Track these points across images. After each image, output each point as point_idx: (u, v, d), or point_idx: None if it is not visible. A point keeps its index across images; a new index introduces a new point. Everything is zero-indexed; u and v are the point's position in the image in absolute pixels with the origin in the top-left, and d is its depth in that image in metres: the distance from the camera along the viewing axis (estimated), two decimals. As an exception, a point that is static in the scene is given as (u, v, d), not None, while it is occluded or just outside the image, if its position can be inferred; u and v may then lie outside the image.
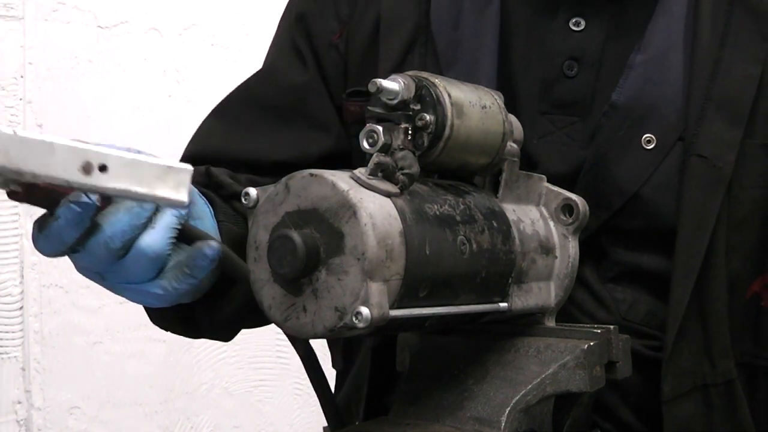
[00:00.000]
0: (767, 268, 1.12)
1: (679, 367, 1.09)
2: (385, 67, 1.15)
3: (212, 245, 0.87)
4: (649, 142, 1.10)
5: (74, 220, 0.82)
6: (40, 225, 0.84)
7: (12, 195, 0.81)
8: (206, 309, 1.02)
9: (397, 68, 1.12)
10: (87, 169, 0.79)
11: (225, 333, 1.14)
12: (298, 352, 0.99)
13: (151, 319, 1.09)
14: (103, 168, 0.79)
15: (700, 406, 1.10)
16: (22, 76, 2.20)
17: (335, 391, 1.27)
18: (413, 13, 1.16)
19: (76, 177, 0.79)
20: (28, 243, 2.21)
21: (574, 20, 1.12)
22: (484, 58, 1.14)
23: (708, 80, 1.09)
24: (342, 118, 1.20)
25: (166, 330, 1.11)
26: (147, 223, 0.86)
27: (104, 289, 0.92)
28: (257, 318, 0.96)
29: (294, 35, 1.23)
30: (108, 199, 0.84)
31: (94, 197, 0.83)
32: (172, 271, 0.88)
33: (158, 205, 0.85)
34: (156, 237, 0.86)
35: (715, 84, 1.09)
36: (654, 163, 1.10)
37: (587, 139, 1.12)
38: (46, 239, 0.84)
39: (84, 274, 0.90)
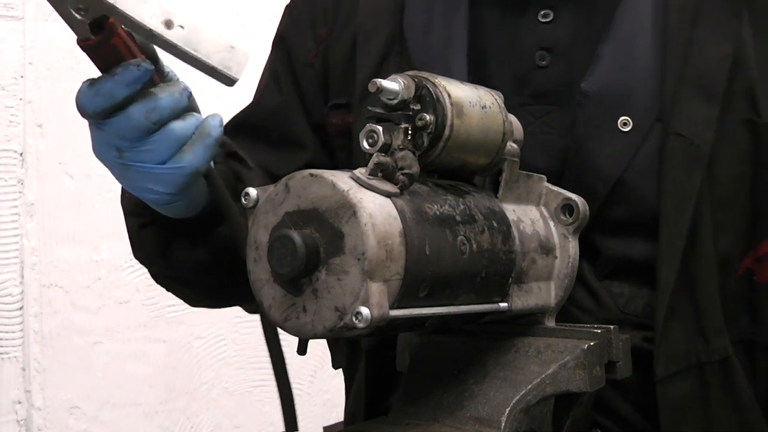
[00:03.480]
0: (758, 243, 1.12)
1: (671, 348, 1.09)
2: (362, 76, 1.18)
3: (216, 115, 0.98)
4: (625, 124, 1.10)
5: (130, 80, 0.91)
6: (92, 81, 0.92)
7: (83, 42, 0.91)
8: (185, 245, 1.09)
9: (374, 76, 1.12)
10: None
11: (200, 286, 1.18)
12: (269, 351, 1.02)
13: (134, 250, 1.16)
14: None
15: (695, 385, 1.10)
16: (22, 76, 2.21)
17: (345, 394, 1.30)
18: (388, 23, 1.19)
19: (158, 28, 0.90)
20: (28, 243, 2.21)
21: (542, 12, 1.14)
22: (455, 60, 1.16)
23: (681, 60, 1.10)
24: (325, 131, 1.24)
25: (145, 264, 1.18)
26: (181, 112, 0.96)
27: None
28: (235, 288, 1.05)
29: (274, 58, 1.30)
30: (161, 77, 0.96)
31: (152, 68, 0.93)
32: (187, 148, 0.96)
33: (212, 76, 0.95)
34: (185, 125, 0.95)
35: (689, 63, 1.10)
36: (633, 145, 1.10)
37: (566, 128, 1.13)
38: (96, 93, 0.91)
39: (101, 151, 0.96)
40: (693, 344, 1.10)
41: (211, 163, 0.99)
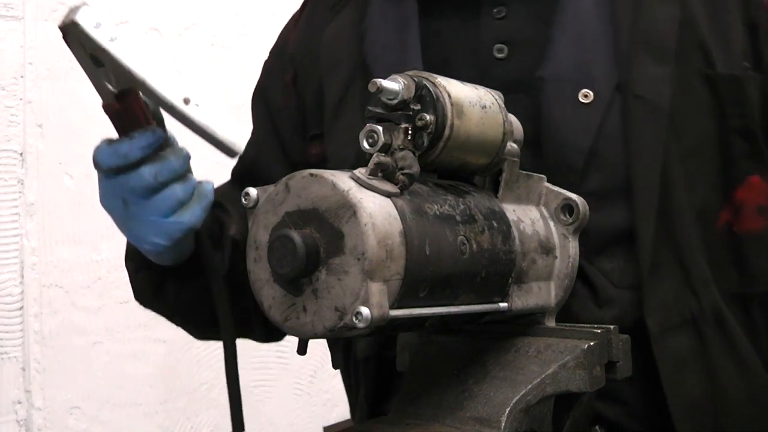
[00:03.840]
0: (732, 192, 1.15)
1: (660, 302, 1.11)
2: (329, 105, 1.27)
3: (210, 181, 1.11)
4: (586, 96, 1.14)
5: (145, 144, 1.05)
6: (110, 141, 1.06)
7: (107, 107, 1.06)
8: (175, 286, 1.21)
9: (341, 103, 1.25)
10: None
11: (196, 322, 1.31)
12: (225, 353, 1.14)
13: (134, 293, 1.28)
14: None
15: (694, 341, 1.12)
16: (22, 76, 2.21)
17: (347, 395, 1.35)
18: (350, 52, 1.26)
19: (179, 103, 1.05)
20: (28, 243, 2.21)
21: (496, 10, 1.20)
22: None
23: (631, 26, 1.15)
24: (308, 163, 1.30)
25: (145, 306, 1.29)
26: (183, 175, 1.08)
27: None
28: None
29: (255, 110, 1.42)
30: (167, 142, 1.08)
31: (164, 134, 1.07)
32: (186, 207, 1.08)
33: (217, 147, 1.10)
34: (185, 187, 1.08)
35: (639, 28, 1.15)
36: (598, 114, 1.14)
37: (536, 113, 1.15)
38: (114, 153, 1.05)
39: (108, 201, 1.09)
40: (682, 298, 1.12)
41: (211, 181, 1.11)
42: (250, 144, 1.39)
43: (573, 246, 1.07)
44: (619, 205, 1.13)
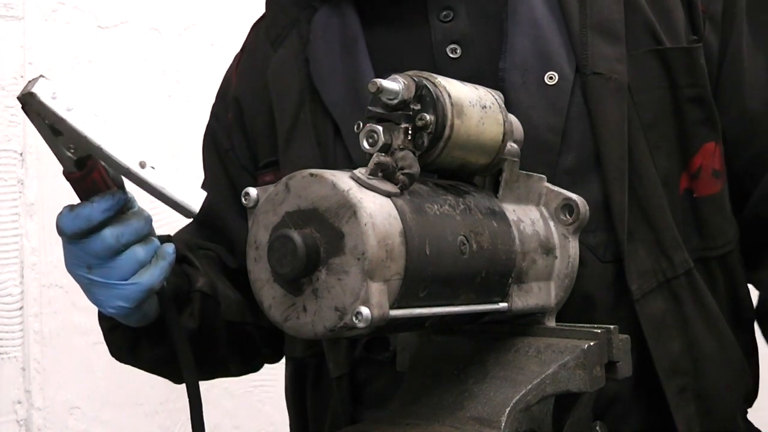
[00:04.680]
0: (689, 159, 1.22)
1: (639, 266, 1.17)
2: (281, 131, 1.30)
3: (171, 244, 1.17)
4: (551, 78, 1.20)
5: (106, 207, 1.09)
6: (72, 207, 1.10)
7: (68, 174, 1.11)
8: (148, 344, 1.26)
9: (293, 129, 1.28)
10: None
11: (173, 375, 1.36)
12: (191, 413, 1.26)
13: (109, 349, 1.33)
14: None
15: (669, 301, 1.18)
16: (22, 76, 2.20)
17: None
18: (297, 79, 1.30)
19: (135, 167, 1.09)
20: (28, 243, 2.21)
21: (443, 14, 1.25)
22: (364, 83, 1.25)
23: (581, 12, 1.22)
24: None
25: (121, 361, 1.35)
26: (144, 237, 1.14)
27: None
28: (206, 369, 1.33)
29: (206, 153, 1.47)
30: (131, 208, 1.13)
31: (124, 197, 1.11)
32: (146, 269, 1.14)
33: (175, 209, 1.18)
34: (146, 249, 1.14)
35: (588, 13, 1.21)
36: (565, 93, 1.19)
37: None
38: (76, 217, 1.09)
39: (73, 266, 1.13)
40: (657, 262, 1.18)
41: (164, 282, 1.16)
42: (205, 190, 1.42)
43: (573, 246, 1.07)
44: (593, 180, 1.17)
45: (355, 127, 1.20)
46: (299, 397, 1.38)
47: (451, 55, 1.23)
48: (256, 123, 1.36)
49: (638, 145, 1.18)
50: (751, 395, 1.30)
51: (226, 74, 1.47)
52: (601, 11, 1.21)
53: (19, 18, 2.20)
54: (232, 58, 1.48)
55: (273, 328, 1.31)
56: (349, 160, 1.23)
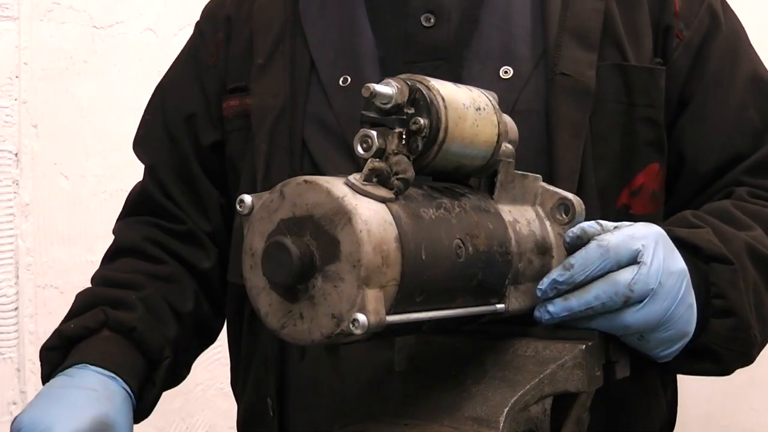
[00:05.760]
0: (632, 177, 1.25)
1: None
2: (257, 59, 1.31)
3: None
4: (506, 72, 1.23)
5: None
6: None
7: None
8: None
9: (270, 58, 1.30)
10: None
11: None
12: None
13: None
14: None
15: None
16: (17, 77, 2.20)
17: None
18: (282, 12, 1.32)
19: None
20: (23, 244, 2.21)
21: None
22: (362, 36, 1.29)
23: (561, 14, 1.24)
24: (222, 115, 1.37)
25: None
26: None
27: None
28: None
29: (184, 67, 1.45)
30: None
31: None
32: None
33: None
34: None
35: (568, 16, 1.24)
36: (515, 89, 1.22)
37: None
38: None
39: None
40: None
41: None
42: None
43: (569, 246, 1.07)
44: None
45: (341, 80, 1.27)
46: (236, 331, 1.37)
47: (425, 23, 1.26)
48: (236, 46, 1.37)
49: (586, 155, 1.21)
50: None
51: None
52: (581, 17, 1.24)
53: (15, 18, 2.20)
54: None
55: (214, 291, 1.37)
56: (325, 103, 1.26)
